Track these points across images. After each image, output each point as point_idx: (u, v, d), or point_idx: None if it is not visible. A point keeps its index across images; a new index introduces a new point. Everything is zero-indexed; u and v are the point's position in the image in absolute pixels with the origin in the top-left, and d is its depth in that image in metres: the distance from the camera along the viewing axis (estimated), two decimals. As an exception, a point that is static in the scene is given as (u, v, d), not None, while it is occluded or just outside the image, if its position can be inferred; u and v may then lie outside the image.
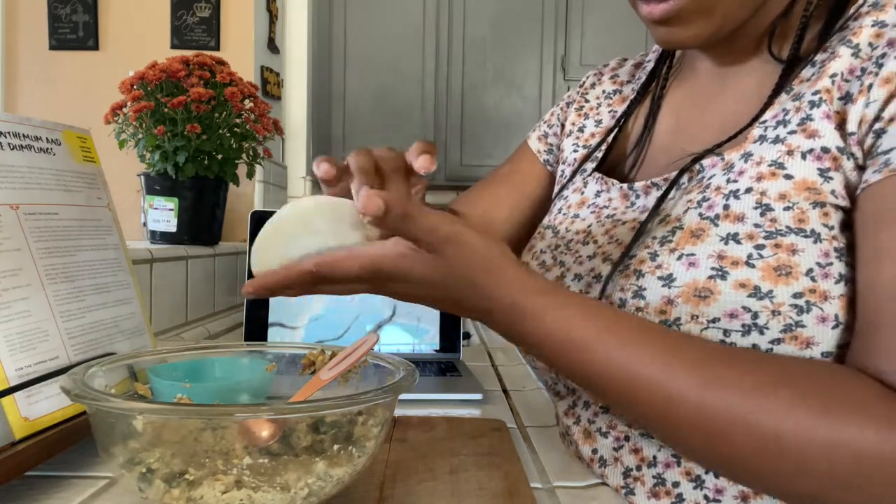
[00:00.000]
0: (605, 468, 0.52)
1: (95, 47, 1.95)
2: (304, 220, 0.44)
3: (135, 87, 1.27)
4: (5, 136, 0.53)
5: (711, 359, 0.39)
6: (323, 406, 0.38)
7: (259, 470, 0.38)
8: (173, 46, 1.92)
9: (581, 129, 0.69)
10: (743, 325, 0.42)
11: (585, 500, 0.50)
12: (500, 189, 0.75)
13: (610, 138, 0.65)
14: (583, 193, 0.62)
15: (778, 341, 0.41)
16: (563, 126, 0.73)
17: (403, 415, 0.67)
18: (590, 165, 0.64)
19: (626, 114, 0.64)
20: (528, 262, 0.62)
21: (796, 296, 0.41)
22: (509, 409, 0.76)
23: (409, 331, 1.05)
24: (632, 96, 0.66)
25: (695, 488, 0.47)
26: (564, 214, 0.63)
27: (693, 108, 0.59)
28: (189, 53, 1.32)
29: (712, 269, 0.44)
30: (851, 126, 0.43)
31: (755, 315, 0.42)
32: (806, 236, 0.42)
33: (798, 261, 0.42)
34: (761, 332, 0.42)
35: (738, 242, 0.44)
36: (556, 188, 0.70)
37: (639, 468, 0.49)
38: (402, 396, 0.44)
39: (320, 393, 0.46)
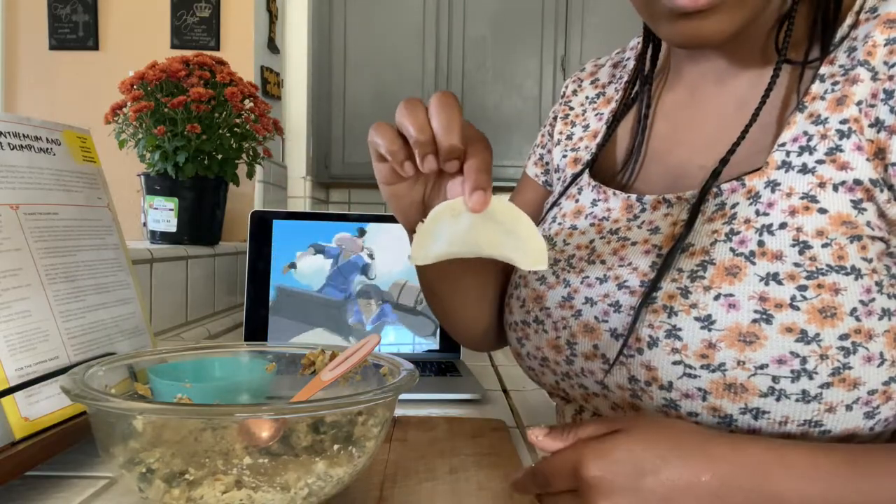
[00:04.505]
0: None
1: (95, 47, 1.95)
2: (441, 213, 0.44)
3: (135, 87, 1.27)
4: (5, 136, 0.53)
5: None
6: (323, 406, 0.38)
7: (259, 470, 0.38)
8: (173, 46, 1.92)
9: (569, 137, 0.67)
10: (792, 371, 0.41)
11: (585, 500, 0.50)
12: None
13: (600, 139, 0.63)
14: (577, 201, 0.60)
15: (827, 385, 0.41)
16: (552, 140, 0.72)
17: (403, 415, 0.67)
18: (581, 169, 0.63)
19: (616, 118, 0.62)
20: (525, 275, 0.59)
21: (842, 337, 0.41)
22: (509, 409, 0.76)
23: (409, 331, 1.05)
24: (616, 96, 0.65)
25: None
26: (560, 224, 0.60)
27: (686, 114, 0.57)
28: (189, 53, 1.32)
29: (755, 311, 0.42)
30: (894, 157, 0.42)
31: (804, 360, 0.41)
32: (847, 273, 0.42)
33: (841, 301, 0.41)
34: (810, 378, 0.41)
35: (780, 283, 0.42)
36: (551, 198, 0.67)
37: None
38: (402, 396, 0.44)
39: (321, 393, 0.46)
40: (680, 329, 0.44)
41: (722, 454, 0.38)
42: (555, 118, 0.71)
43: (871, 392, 0.41)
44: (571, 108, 0.69)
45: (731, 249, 0.45)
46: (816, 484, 0.37)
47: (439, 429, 0.62)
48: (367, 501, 0.46)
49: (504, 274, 0.68)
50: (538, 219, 0.68)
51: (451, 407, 0.75)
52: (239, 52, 1.94)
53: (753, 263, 0.43)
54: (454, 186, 0.46)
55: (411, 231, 0.55)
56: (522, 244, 0.44)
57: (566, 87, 0.72)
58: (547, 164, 0.71)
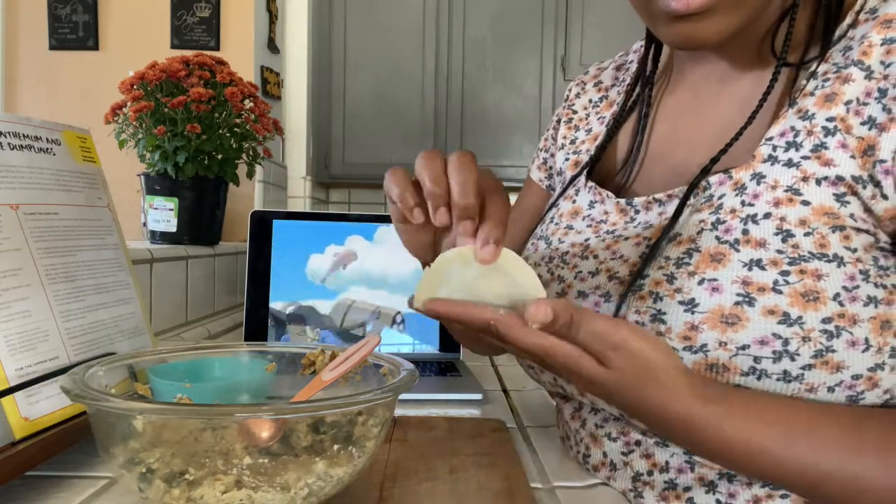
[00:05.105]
0: (615, 471, 0.52)
1: (95, 47, 1.95)
2: (451, 259, 0.44)
3: (135, 87, 1.27)
4: (5, 136, 0.53)
5: (888, 441, 0.40)
6: (323, 406, 0.38)
7: (259, 470, 0.38)
8: (173, 46, 1.92)
9: (573, 141, 0.68)
10: (774, 352, 0.42)
11: (585, 501, 0.50)
12: (517, 234, 0.73)
13: (599, 141, 0.63)
14: (574, 202, 0.60)
15: (809, 367, 0.42)
16: (556, 144, 0.72)
17: (403, 415, 0.67)
18: (579, 171, 0.63)
19: (617, 122, 0.63)
20: None
21: (825, 321, 0.41)
22: (509, 409, 0.76)
23: (410, 331, 1.05)
24: (618, 99, 0.65)
25: (707, 492, 0.47)
26: (556, 224, 0.61)
27: (688, 115, 0.57)
28: (189, 53, 1.32)
29: (738, 294, 0.43)
30: (884, 154, 0.42)
31: (786, 342, 0.42)
32: (829, 261, 0.42)
33: (824, 286, 0.42)
34: (792, 359, 0.42)
35: (763, 268, 0.43)
36: (551, 200, 0.68)
37: (650, 473, 0.49)
38: (402, 396, 0.44)
39: (321, 393, 0.46)
40: (664, 313, 0.45)
41: (678, 409, 0.42)
42: (558, 121, 0.71)
43: (856, 377, 0.42)
44: (575, 112, 0.70)
45: (717, 237, 0.46)
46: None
47: (439, 429, 0.62)
48: (367, 501, 0.46)
49: None
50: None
51: (451, 407, 0.75)
52: (239, 52, 1.94)
53: (738, 251, 0.44)
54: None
55: (425, 264, 0.55)
56: (525, 297, 0.44)
57: (569, 90, 0.72)
58: (550, 167, 0.72)
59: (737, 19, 0.46)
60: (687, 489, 0.47)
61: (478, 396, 0.78)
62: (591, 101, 0.69)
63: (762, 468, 0.41)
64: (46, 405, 0.49)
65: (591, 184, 0.60)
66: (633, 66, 0.66)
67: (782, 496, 0.45)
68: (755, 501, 0.45)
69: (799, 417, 0.41)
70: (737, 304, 0.43)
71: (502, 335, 0.41)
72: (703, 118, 0.56)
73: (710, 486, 0.47)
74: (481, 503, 0.46)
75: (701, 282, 0.44)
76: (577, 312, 0.39)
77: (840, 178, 0.43)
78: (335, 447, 0.40)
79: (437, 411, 0.72)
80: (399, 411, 0.68)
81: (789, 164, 0.45)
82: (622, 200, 0.55)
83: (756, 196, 0.45)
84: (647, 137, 0.60)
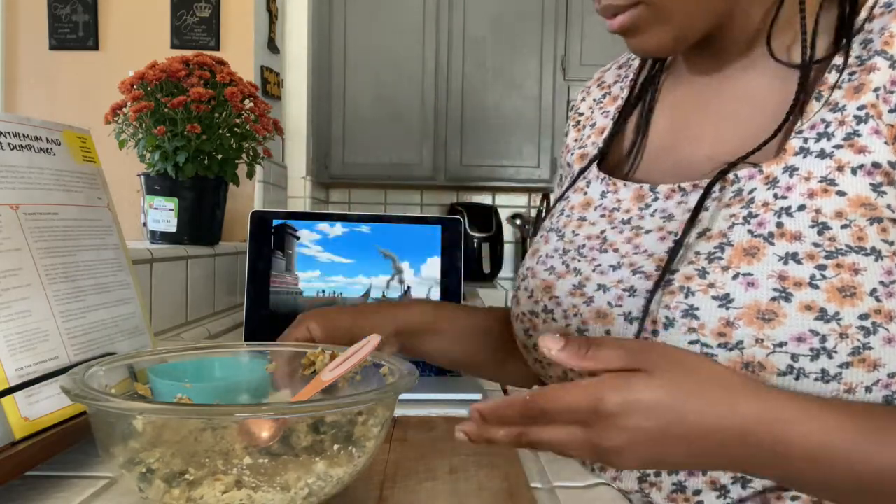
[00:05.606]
0: (621, 472, 0.51)
1: (95, 47, 1.95)
2: None
3: (135, 87, 1.27)
4: (5, 136, 0.53)
5: None
6: (323, 406, 0.38)
7: (259, 470, 0.38)
8: (173, 46, 1.92)
9: (580, 139, 0.69)
10: (811, 350, 0.41)
11: (585, 501, 0.50)
12: None
13: (607, 133, 0.63)
14: (585, 193, 0.60)
15: (846, 365, 0.41)
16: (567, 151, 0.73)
17: (403, 415, 0.67)
18: (587, 163, 0.63)
19: (623, 113, 0.63)
20: (533, 266, 0.60)
21: (862, 317, 0.41)
22: (509, 409, 0.76)
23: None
24: (622, 94, 0.66)
25: (718, 497, 0.46)
26: (568, 216, 0.60)
27: (692, 107, 0.58)
28: (189, 53, 1.32)
29: (774, 290, 0.42)
30: None
31: (823, 339, 0.41)
32: (867, 254, 0.42)
33: (861, 280, 0.41)
34: (830, 357, 0.41)
35: (799, 262, 0.42)
36: (558, 191, 0.68)
37: (657, 474, 0.49)
38: (402, 396, 0.44)
39: (321, 393, 0.46)
40: (697, 308, 0.44)
41: (748, 410, 0.39)
42: (567, 133, 0.73)
43: (892, 375, 0.41)
44: (581, 114, 0.71)
45: (750, 231, 0.45)
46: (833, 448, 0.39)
47: (439, 429, 0.62)
48: (367, 501, 0.46)
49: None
50: None
51: (451, 407, 0.75)
52: (239, 52, 1.94)
53: (772, 244, 0.44)
54: None
55: None
56: None
57: (575, 98, 0.74)
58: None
59: (670, 33, 0.48)
60: (696, 492, 0.47)
61: (478, 396, 0.78)
62: (595, 100, 0.70)
63: (845, 473, 0.39)
64: (46, 405, 0.49)
65: (601, 174, 0.60)
66: (636, 63, 0.67)
67: (792, 498, 0.45)
68: None
69: (871, 416, 0.40)
70: (773, 299, 0.42)
71: (544, 407, 0.39)
72: (707, 110, 0.56)
73: (722, 491, 0.46)
74: (481, 503, 0.46)
75: (735, 276, 0.44)
76: (589, 338, 0.40)
77: (876, 165, 0.43)
78: (335, 447, 0.40)
79: (437, 411, 0.72)
80: (399, 411, 0.68)
81: (822, 154, 0.45)
82: (644, 186, 0.55)
83: (789, 188, 0.45)
84: (650, 127, 0.60)
